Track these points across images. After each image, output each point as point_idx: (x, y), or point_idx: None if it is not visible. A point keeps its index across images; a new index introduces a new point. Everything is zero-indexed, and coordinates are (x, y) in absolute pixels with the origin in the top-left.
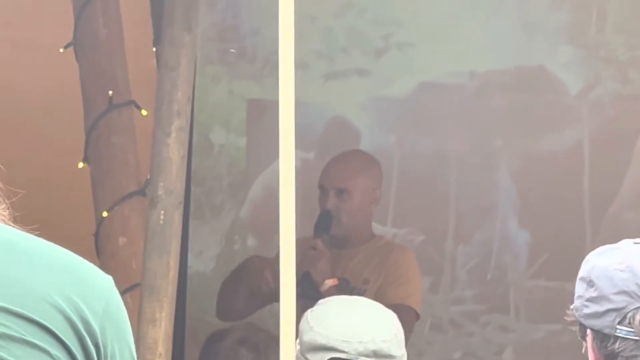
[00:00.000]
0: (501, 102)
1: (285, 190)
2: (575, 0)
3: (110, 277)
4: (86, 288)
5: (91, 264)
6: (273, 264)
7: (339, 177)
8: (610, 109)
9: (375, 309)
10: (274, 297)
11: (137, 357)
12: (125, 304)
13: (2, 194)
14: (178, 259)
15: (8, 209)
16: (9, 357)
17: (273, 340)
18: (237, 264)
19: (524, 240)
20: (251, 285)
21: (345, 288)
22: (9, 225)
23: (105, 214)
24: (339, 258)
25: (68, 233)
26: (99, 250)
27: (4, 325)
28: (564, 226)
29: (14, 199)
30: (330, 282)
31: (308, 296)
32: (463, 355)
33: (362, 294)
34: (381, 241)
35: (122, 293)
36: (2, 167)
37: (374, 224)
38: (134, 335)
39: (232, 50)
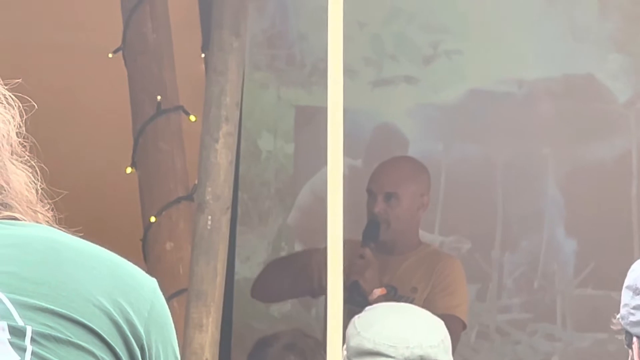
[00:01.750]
0: (549, 110)
1: (333, 197)
2: (624, 8)
3: (154, 280)
4: (131, 290)
5: (136, 267)
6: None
7: (388, 182)
8: None
9: (422, 315)
10: (314, 291)
11: None
12: (171, 309)
13: (45, 195)
14: (225, 264)
15: (52, 210)
16: (53, 358)
17: (320, 347)
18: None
19: (571, 248)
20: (297, 272)
21: (393, 296)
22: (53, 226)
23: (152, 219)
24: (387, 264)
25: (115, 237)
26: (146, 255)
27: (50, 327)
28: (611, 235)
29: (57, 199)
30: (378, 292)
31: (356, 304)
32: None
33: (411, 302)
34: (429, 249)
35: (169, 298)
36: (47, 169)
37: (421, 232)
38: (180, 340)
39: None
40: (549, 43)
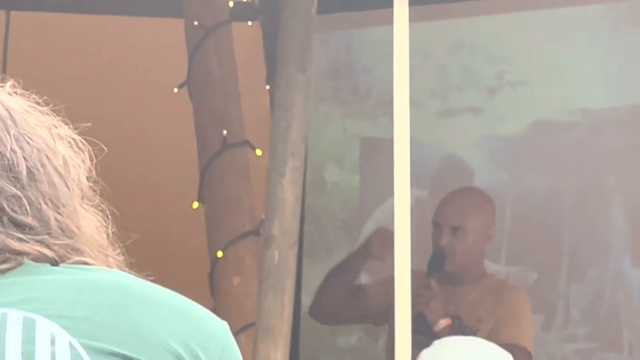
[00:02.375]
0: (615, 140)
1: (400, 228)
2: None
3: (225, 323)
4: (203, 334)
5: (206, 310)
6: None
7: (454, 214)
8: None
9: (489, 348)
10: (375, 314)
11: None
12: (239, 344)
13: (116, 239)
14: (292, 298)
15: (123, 254)
16: None
17: None
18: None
19: (637, 278)
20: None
21: (458, 326)
22: (125, 270)
23: (220, 253)
24: (452, 295)
25: (183, 272)
26: (213, 289)
27: None
28: None
29: (127, 243)
30: (444, 322)
31: (422, 334)
32: None
33: (476, 332)
34: (494, 280)
35: (236, 333)
36: (117, 212)
37: (487, 262)
38: None
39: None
40: (614, 72)
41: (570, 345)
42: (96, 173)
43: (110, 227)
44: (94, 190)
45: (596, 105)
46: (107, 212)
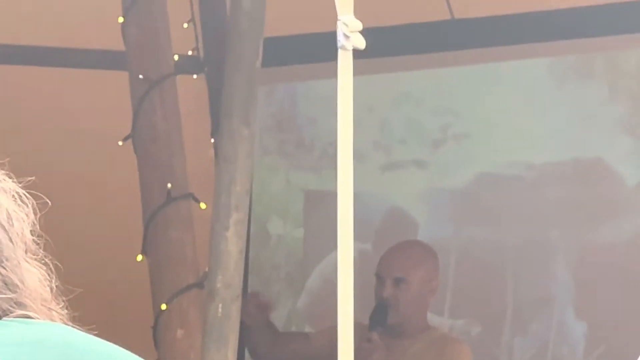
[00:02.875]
0: (558, 193)
1: (343, 281)
2: (634, 92)
3: None
4: None
5: None
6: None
7: (396, 266)
8: None
9: None
10: None
11: None
12: None
13: (60, 293)
14: (236, 351)
15: (66, 308)
16: None
17: None
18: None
19: (581, 331)
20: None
21: None
22: (68, 324)
23: (163, 306)
24: (395, 348)
25: (126, 325)
26: (157, 342)
27: None
28: (622, 318)
29: (71, 297)
30: None
31: None
32: None
33: None
34: (436, 333)
35: None
36: (61, 266)
37: (430, 314)
38: None
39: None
40: (558, 127)
41: None
42: (40, 226)
43: (54, 281)
44: (38, 244)
45: (540, 159)
46: (51, 266)
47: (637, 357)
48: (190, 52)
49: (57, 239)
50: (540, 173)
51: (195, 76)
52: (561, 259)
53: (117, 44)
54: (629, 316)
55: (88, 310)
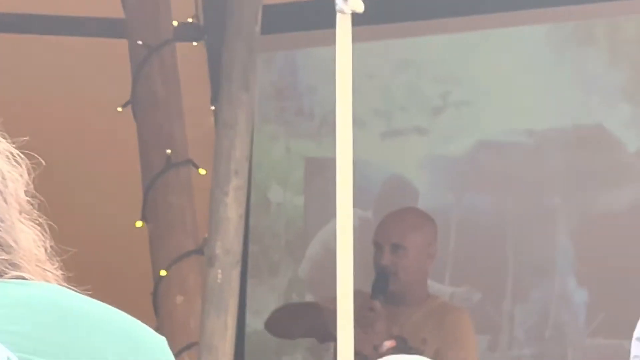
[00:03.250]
0: (559, 160)
1: (343, 249)
2: (634, 58)
3: (164, 339)
4: (141, 350)
5: (145, 326)
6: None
7: (394, 233)
8: None
9: None
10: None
11: None
12: None
13: (54, 253)
14: (235, 317)
15: (61, 268)
16: None
17: None
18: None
19: (582, 298)
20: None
21: (403, 347)
22: (62, 285)
23: (163, 272)
24: (397, 316)
25: (125, 291)
26: (157, 308)
27: None
28: (623, 284)
29: (65, 257)
30: (388, 344)
31: (365, 356)
32: None
33: (421, 354)
34: (437, 301)
35: (180, 352)
36: (56, 226)
37: (432, 282)
38: None
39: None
40: (558, 93)
41: None
42: (36, 188)
43: (48, 242)
44: (32, 205)
45: (541, 126)
46: (46, 227)
47: (637, 325)
48: (189, 20)
49: (54, 202)
50: (541, 140)
51: (195, 43)
52: (562, 226)
53: (116, 11)
54: (630, 283)
55: (84, 273)
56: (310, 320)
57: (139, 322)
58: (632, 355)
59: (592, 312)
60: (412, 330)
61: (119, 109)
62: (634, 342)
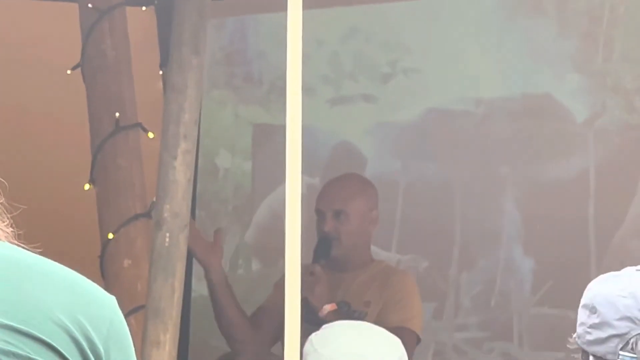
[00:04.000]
0: (507, 129)
1: (291, 215)
2: (583, 28)
3: (113, 297)
4: (91, 308)
5: (95, 284)
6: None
7: (335, 199)
8: (616, 138)
9: (379, 332)
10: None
11: None
12: (129, 326)
13: (4, 210)
14: (183, 281)
15: (11, 225)
16: None
17: None
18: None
19: (528, 267)
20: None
21: (346, 311)
22: (13, 242)
23: (110, 235)
24: (340, 281)
25: (73, 254)
26: (104, 271)
27: (9, 343)
28: (569, 254)
29: (15, 214)
30: (328, 307)
31: (308, 321)
32: None
33: (364, 316)
34: (381, 265)
35: (127, 315)
36: (5, 182)
37: (378, 250)
38: (138, 357)
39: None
40: (507, 62)
41: (460, 334)
42: None
43: None
44: None
45: (489, 95)
46: None
47: (583, 293)
48: None
49: (2, 159)
50: (489, 108)
51: (144, 8)
52: (509, 194)
53: None
54: (576, 253)
55: (34, 231)
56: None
57: (89, 280)
58: (578, 322)
59: (539, 281)
60: (355, 294)
61: (68, 72)
62: (580, 310)
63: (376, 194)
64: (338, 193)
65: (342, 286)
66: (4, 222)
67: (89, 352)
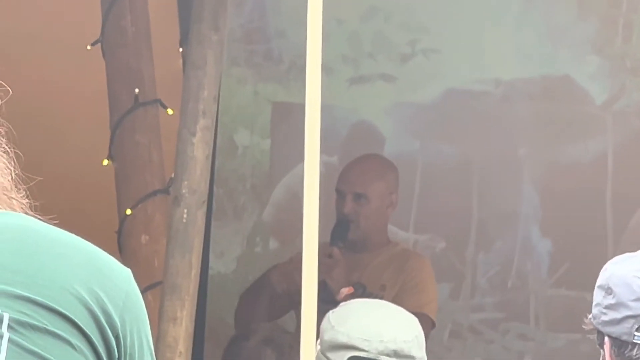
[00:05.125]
0: (526, 110)
1: (309, 194)
2: (602, 11)
3: (129, 270)
4: (107, 280)
5: (111, 256)
6: (292, 273)
7: (356, 182)
8: (634, 120)
9: (396, 310)
10: (293, 304)
11: (157, 355)
12: (146, 302)
13: (20, 181)
14: (200, 258)
15: (28, 197)
16: (31, 346)
17: (297, 343)
18: (256, 276)
19: (545, 248)
20: (271, 295)
21: (362, 294)
22: (29, 214)
23: (128, 211)
24: (356, 262)
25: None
26: (121, 247)
27: (27, 315)
28: (586, 236)
29: (31, 184)
30: (345, 291)
31: (324, 302)
32: None
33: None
34: (397, 248)
35: (144, 291)
36: (22, 155)
37: (395, 230)
38: (154, 333)
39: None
40: (526, 44)
41: (477, 314)
42: (3, 117)
43: (14, 170)
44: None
45: (508, 76)
46: (12, 155)
47: (600, 274)
48: None
49: (21, 131)
50: (508, 89)
51: None
52: (527, 175)
53: None
54: (593, 235)
55: (51, 203)
56: (273, 300)
57: (106, 252)
58: (594, 303)
59: (555, 263)
60: (371, 277)
61: (88, 47)
62: (596, 290)
63: (397, 177)
64: (360, 175)
65: (358, 268)
66: (19, 193)
67: (105, 323)
